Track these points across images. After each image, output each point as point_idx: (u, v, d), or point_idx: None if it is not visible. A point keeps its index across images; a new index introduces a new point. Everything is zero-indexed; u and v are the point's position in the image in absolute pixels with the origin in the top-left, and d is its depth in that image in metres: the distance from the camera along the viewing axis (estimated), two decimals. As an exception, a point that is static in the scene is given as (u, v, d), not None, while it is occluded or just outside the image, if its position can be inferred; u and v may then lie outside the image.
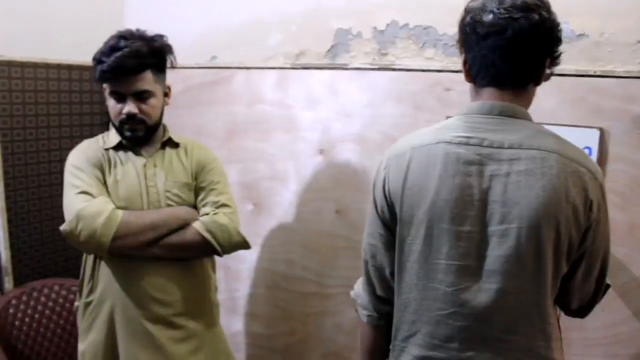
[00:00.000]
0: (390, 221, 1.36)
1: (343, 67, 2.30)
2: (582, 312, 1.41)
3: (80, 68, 2.84)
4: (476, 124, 1.27)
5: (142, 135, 1.88)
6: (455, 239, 1.25)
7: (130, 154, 1.93)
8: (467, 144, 1.25)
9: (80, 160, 1.89)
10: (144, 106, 1.84)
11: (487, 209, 1.23)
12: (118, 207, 1.83)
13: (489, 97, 1.28)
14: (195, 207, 1.96)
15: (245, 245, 1.97)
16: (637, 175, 1.75)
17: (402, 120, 2.16)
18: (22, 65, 2.62)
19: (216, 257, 2.03)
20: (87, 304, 1.93)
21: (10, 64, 2.57)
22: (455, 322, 1.27)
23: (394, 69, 2.19)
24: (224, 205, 1.93)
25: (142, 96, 1.84)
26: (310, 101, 2.39)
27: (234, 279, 2.62)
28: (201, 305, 2.01)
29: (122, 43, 1.79)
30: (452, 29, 2.07)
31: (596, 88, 1.80)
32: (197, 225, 1.86)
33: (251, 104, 2.56)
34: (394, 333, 1.40)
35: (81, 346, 1.96)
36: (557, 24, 1.25)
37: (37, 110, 2.71)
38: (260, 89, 2.53)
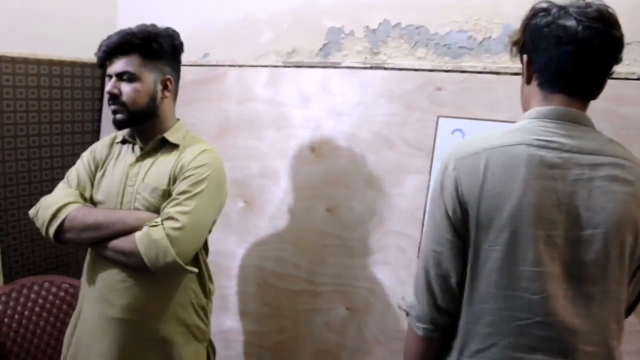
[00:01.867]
0: (462, 227, 1.29)
1: (335, 66, 2.31)
2: (627, 312, 1.39)
3: (72, 64, 2.83)
4: (550, 128, 1.25)
5: (123, 119, 1.80)
6: (541, 245, 1.21)
7: (129, 149, 1.92)
8: (547, 147, 1.22)
9: (88, 151, 1.96)
10: (125, 87, 1.78)
11: (572, 214, 1.21)
12: (96, 202, 1.86)
13: (560, 103, 1.27)
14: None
15: (178, 267, 1.71)
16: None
17: (393, 119, 2.17)
18: (13, 60, 2.61)
19: (212, 269, 2.00)
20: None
21: (0, 59, 2.56)
22: (539, 332, 1.22)
23: (385, 68, 2.20)
24: (171, 218, 1.71)
25: (124, 77, 1.79)
26: (302, 99, 2.40)
27: (225, 276, 2.62)
28: (156, 319, 1.85)
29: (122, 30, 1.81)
30: (443, 29, 2.09)
31: (585, 89, 1.81)
32: (137, 234, 1.72)
33: (243, 102, 2.56)
34: (459, 347, 1.33)
35: None
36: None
37: (27, 106, 2.70)
38: (252, 86, 2.53)
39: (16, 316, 2.56)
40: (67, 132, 2.87)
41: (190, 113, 2.70)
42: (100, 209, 1.84)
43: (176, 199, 1.75)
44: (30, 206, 1.83)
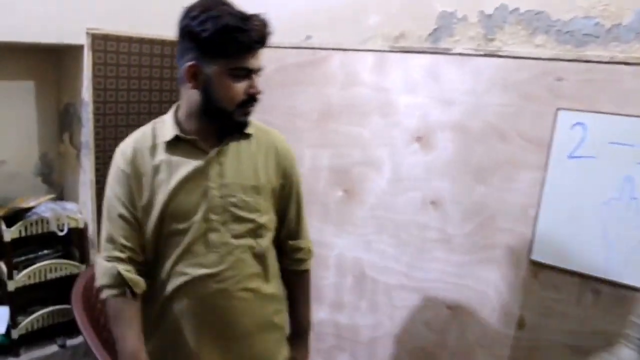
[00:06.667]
0: None
1: (445, 52, 2.20)
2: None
3: (172, 44, 2.81)
4: None
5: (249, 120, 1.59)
6: None
7: (189, 149, 1.56)
8: None
9: (118, 181, 1.65)
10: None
11: None
12: (176, 215, 1.55)
13: None
14: (259, 211, 1.62)
15: None
16: None
17: (506, 110, 2.05)
18: (118, 39, 2.62)
19: None
20: None
21: (106, 37, 2.57)
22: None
23: (500, 56, 2.08)
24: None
25: (258, 73, 1.53)
26: (408, 86, 2.30)
27: (321, 266, 2.57)
28: None
29: (239, 12, 1.47)
30: (567, 15, 1.96)
31: None
32: None
33: (346, 87, 2.49)
34: None
35: None
36: None
37: (129, 85, 2.72)
38: (356, 71, 2.45)
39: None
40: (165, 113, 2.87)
41: (290, 96, 2.65)
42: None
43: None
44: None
